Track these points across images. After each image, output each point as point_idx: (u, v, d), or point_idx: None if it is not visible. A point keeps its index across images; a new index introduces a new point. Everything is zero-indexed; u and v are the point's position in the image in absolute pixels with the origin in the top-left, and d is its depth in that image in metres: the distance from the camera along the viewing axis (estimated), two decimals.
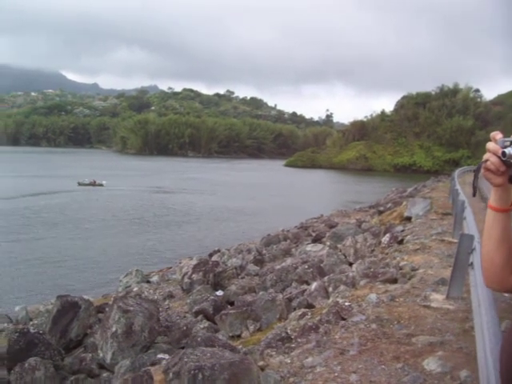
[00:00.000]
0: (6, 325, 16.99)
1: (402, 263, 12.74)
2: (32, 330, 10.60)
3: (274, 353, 7.52)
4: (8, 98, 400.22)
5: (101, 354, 10.19)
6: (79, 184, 75.25)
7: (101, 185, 75.73)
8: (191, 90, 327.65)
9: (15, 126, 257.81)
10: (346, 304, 9.18)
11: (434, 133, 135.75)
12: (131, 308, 10.53)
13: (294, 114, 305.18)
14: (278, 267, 17.21)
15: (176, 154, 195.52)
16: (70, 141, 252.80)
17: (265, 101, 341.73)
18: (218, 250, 26.92)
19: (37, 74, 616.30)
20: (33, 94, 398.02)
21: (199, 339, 8.50)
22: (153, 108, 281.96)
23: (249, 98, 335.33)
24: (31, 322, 15.33)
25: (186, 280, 17.56)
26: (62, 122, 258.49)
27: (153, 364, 8.53)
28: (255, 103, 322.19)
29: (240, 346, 8.72)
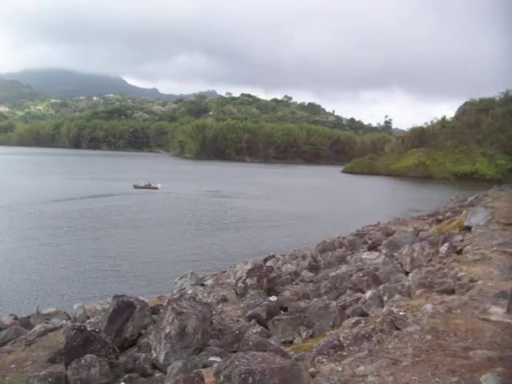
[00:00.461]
0: (64, 322, 17.53)
1: (460, 274, 12.39)
2: (89, 328, 10.86)
3: (325, 360, 7.44)
4: (71, 102, 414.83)
5: (154, 355, 10.34)
6: (135, 187, 77.15)
7: (156, 188, 77.24)
8: (249, 96, 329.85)
9: (77, 130, 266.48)
10: (401, 313, 9.00)
11: (498, 140, 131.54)
12: (185, 310, 10.65)
13: (352, 119, 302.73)
14: (333, 274, 17.05)
15: (233, 158, 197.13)
16: (129, 144, 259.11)
17: (322, 106, 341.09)
18: (273, 256, 26.93)
19: (99, 79, 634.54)
20: (94, 98, 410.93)
21: (250, 343, 8.50)
22: (211, 113, 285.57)
23: (306, 103, 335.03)
24: (88, 320, 15.70)
25: (240, 284, 17.60)
26: (122, 126, 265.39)
27: (204, 366, 8.60)
28: (313, 109, 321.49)
29: (292, 352, 8.66)
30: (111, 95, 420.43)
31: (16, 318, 19.25)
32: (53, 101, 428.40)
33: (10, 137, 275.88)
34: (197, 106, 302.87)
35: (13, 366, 12.25)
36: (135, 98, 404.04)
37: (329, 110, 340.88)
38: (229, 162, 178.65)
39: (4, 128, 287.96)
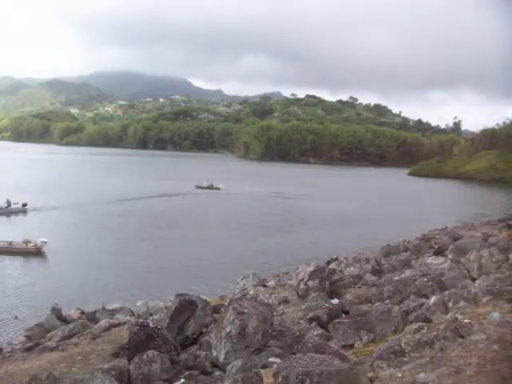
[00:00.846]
0: (128, 318, 18.02)
1: None
2: (151, 325, 11.12)
3: (384, 365, 7.31)
4: (138, 103, 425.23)
5: (214, 353, 10.46)
6: (197, 187, 78.42)
7: (218, 188, 78.16)
8: (314, 97, 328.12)
9: (144, 131, 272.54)
10: (466, 321, 8.71)
11: None
12: (246, 310, 10.71)
13: (420, 121, 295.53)
14: (397, 278, 16.74)
15: (297, 160, 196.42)
16: (194, 145, 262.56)
17: (389, 108, 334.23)
18: (336, 258, 26.72)
19: (165, 81, 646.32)
20: (161, 100, 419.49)
21: (309, 345, 8.47)
22: (275, 114, 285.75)
23: (372, 104, 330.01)
24: (151, 317, 16.06)
25: (301, 286, 17.55)
26: (188, 127, 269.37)
27: (264, 367, 8.62)
28: (379, 110, 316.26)
29: (352, 356, 8.56)
30: (177, 97, 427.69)
31: (83, 313, 19.97)
32: (121, 102, 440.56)
33: (79, 137, 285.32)
34: (261, 107, 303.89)
35: (79, 357, 12.71)
36: (201, 100, 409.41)
37: (395, 111, 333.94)
38: (293, 163, 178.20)
39: (74, 129, 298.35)
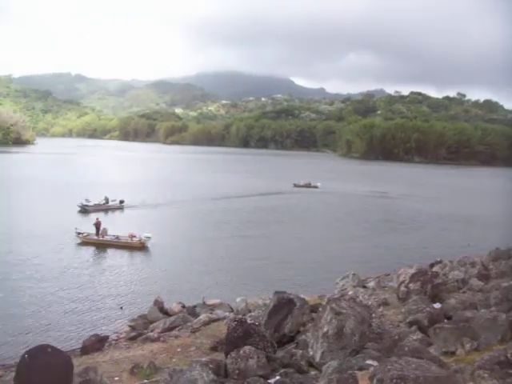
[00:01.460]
0: (227, 313, 18.34)
1: None
2: (249, 321, 11.24)
3: (486, 375, 6.88)
4: (240, 103, 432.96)
5: (311, 352, 10.39)
6: (295, 185, 78.78)
7: (316, 187, 78.00)
8: (419, 94, 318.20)
9: (246, 130, 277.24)
10: None
11: None
12: (344, 311, 10.55)
13: None
14: (505, 285, 15.79)
15: (401, 159, 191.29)
16: (296, 144, 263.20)
17: (500, 103, 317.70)
18: (440, 261, 25.73)
19: (267, 80, 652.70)
20: (263, 99, 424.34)
21: (406, 349, 8.18)
22: (379, 112, 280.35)
23: (482, 100, 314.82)
24: (249, 314, 16.23)
25: (402, 288, 17.05)
26: (290, 126, 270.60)
27: (360, 369, 8.44)
28: (489, 106, 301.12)
29: (452, 364, 8.17)
30: (279, 95, 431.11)
31: (184, 307, 20.59)
32: (223, 102, 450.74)
33: (183, 136, 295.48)
34: (364, 105, 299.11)
35: (179, 349, 13.11)
36: (303, 98, 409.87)
37: (508, 107, 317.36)
38: (397, 162, 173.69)
39: (179, 128, 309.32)
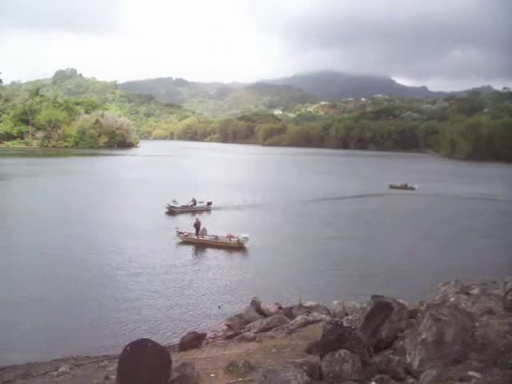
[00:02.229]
0: (323, 316, 18.17)
1: None
2: (345, 324, 11.02)
3: None
4: (339, 103, 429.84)
5: (408, 359, 10.02)
6: (391, 187, 77.06)
7: (412, 188, 75.76)
8: None
9: (345, 130, 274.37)
10: None
11: None
12: (444, 318, 10.10)
13: None
14: None
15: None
16: (396, 145, 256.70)
17: None
18: None
19: (367, 80, 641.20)
20: (362, 99, 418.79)
21: (510, 361, 7.69)
22: (485, 110, 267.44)
23: None
24: (346, 317, 15.97)
25: (509, 297, 16.11)
26: (390, 126, 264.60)
27: (461, 380, 8.05)
28: None
29: None
30: (379, 95, 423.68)
31: (280, 308, 20.65)
32: (322, 103, 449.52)
33: (282, 138, 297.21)
34: (470, 103, 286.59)
35: (274, 350, 13.12)
36: (403, 98, 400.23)
37: None
38: (506, 163, 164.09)
39: (277, 130, 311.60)
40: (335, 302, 19.24)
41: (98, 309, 22.57)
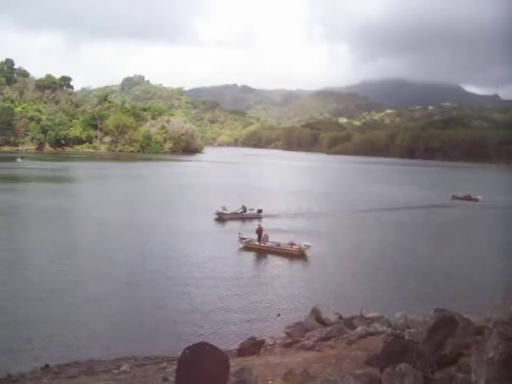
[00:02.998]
0: (385, 328, 17.79)
1: None
2: (407, 337, 10.78)
3: None
4: (406, 111, 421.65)
5: (473, 378, 9.66)
6: (453, 197, 74.98)
7: (476, 199, 73.46)
8: None
9: (411, 140, 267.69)
10: None
11: None
12: None
13: None
14: None
15: None
16: (465, 155, 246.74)
17: None
18: None
19: (435, 87, 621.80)
20: (430, 107, 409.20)
21: None
22: None
23: None
24: (407, 330, 15.58)
25: None
26: (458, 136, 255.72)
27: None
28: None
29: None
30: (447, 103, 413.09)
31: (341, 318, 20.37)
32: (388, 111, 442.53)
33: (346, 146, 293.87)
34: None
35: (333, 360, 12.95)
36: (473, 106, 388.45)
37: None
38: None
39: (342, 138, 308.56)
40: (398, 314, 18.82)
41: (159, 311, 23.04)
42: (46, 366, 16.82)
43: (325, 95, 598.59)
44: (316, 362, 13.03)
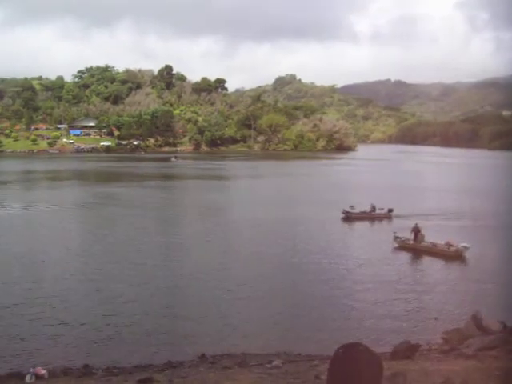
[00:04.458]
0: None
1: None
2: None
3: None
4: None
5: None
6: None
7: None
8: None
9: None
10: None
11: None
12: None
13: None
14: None
15: None
16: None
17: None
18: None
19: None
20: None
21: None
22: None
23: None
24: None
25: None
26: None
27: None
28: None
29: None
30: None
31: (505, 327, 18.84)
32: None
33: (510, 141, 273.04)
34: None
35: (497, 373, 11.96)
36: None
37: None
38: None
39: (506, 132, 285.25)
40: None
41: (316, 310, 23.15)
42: (203, 355, 17.65)
43: (486, 86, 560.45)
44: (476, 372, 12.18)
